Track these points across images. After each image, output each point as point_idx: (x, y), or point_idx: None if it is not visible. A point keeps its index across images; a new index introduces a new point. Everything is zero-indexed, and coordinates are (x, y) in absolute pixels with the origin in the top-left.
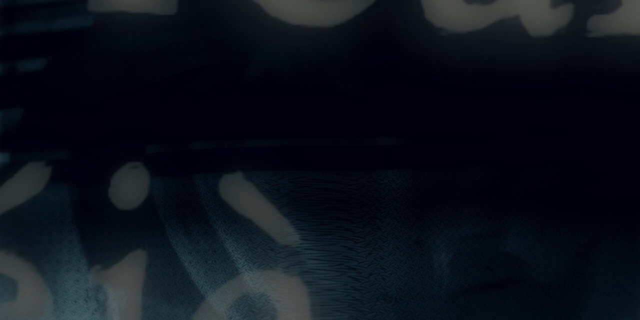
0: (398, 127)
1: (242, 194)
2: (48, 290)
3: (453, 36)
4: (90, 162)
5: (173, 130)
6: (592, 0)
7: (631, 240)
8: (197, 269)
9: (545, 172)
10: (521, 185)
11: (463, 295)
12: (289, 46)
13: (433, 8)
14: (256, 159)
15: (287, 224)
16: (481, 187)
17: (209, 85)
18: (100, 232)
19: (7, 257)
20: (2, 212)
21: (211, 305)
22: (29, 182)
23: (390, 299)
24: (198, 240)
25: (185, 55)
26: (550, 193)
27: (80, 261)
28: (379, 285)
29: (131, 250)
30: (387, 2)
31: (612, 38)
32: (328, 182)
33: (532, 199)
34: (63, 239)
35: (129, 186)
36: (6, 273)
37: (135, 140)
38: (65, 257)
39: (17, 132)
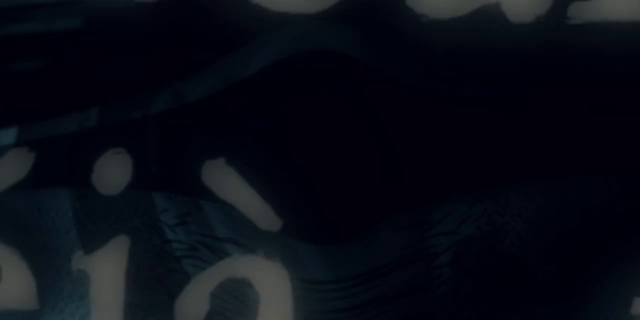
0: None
1: (226, 179)
2: (32, 276)
3: (434, 23)
4: (73, 148)
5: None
6: None
7: None
8: (179, 254)
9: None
10: None
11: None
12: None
13: None
14: (247, 147)
15: (270, 209)
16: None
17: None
18: (84, 218)
19: None
20: None
21: (194, 291)
22: (13, 168)
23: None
24: (180, 226)
25: (169, 46)
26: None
27: (64, 247)
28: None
29: (114, 236)
30: None
31: (592, 24)
32: None
33: None
34: (47, 225)
35: (112, 172)
36: None
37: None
38: (49, 243)
39: None
